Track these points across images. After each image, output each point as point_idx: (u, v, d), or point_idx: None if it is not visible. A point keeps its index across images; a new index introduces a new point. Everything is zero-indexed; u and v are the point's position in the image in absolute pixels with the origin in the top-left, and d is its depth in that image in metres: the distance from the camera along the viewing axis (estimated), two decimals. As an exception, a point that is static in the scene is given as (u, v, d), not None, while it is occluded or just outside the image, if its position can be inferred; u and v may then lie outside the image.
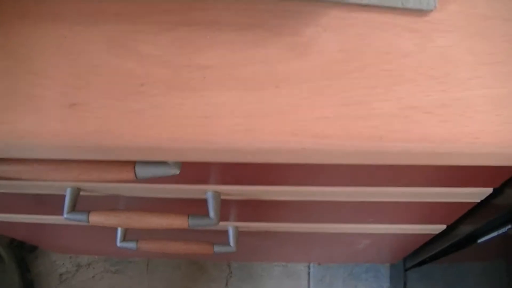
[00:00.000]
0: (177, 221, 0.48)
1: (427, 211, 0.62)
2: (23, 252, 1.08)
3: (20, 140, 0.35)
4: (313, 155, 0.34)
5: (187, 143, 0.34)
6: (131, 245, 0.65)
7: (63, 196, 0.53)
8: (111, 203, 0.60)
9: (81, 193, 0.54)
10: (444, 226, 0.68)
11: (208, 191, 0.50)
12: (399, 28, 0.36)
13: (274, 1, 0.36)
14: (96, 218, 0.50)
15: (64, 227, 0.76)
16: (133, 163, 0.39)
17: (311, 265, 1.17)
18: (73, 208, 0.53)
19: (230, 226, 0.65)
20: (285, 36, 0.35)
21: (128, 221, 0.50)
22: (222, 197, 0.52)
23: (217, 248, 0.63)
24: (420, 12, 0.36)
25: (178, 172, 0.38)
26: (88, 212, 0.53)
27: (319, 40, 0.35)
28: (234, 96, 0.34)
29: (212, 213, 0.49)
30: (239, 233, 0.67)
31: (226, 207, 0.57)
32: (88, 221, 0.51)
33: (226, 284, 1.17)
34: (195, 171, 0.46)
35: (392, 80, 0.35)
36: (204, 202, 0.52)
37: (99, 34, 0.36)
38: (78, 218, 0.52)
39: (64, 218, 0.53)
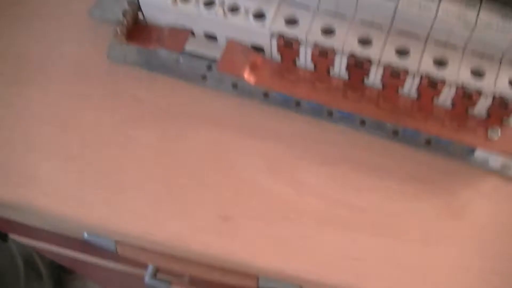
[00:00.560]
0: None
1: None
2: (62, 273, 1.08)
3: (166, 241, 0.35)
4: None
5: (331, 280, 0.34)
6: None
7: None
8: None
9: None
10: None
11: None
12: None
13: (435, 156, 0.36)
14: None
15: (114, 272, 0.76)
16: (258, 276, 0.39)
17: None
18: (155, 276, 0.53)
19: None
20: (442, 194, 0.36)
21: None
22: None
23: None
24: None
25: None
26: (170, 283, 0.53)
27: (473, 204, 0.36)
28: (384, 244, 0.34)
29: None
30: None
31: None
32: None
33: None
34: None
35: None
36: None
37: (260, 151, 0.37)
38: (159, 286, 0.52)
39: (145, 282, 0.53)
